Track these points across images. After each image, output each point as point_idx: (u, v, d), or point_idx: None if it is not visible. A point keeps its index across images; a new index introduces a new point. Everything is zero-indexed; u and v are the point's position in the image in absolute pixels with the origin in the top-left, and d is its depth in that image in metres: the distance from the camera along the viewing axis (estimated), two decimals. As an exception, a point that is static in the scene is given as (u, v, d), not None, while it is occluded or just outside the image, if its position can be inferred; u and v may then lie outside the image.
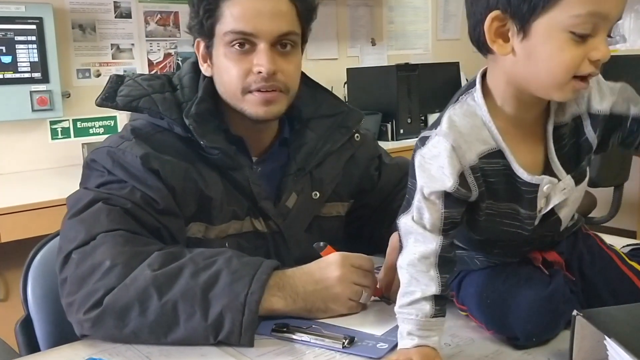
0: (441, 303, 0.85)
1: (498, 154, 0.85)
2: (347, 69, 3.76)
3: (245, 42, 1.13)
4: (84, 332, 0.98)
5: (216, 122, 1.18)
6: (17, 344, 1.19)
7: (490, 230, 0.92)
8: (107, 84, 1.19)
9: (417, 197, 0.86)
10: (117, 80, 1.20)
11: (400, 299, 0.86)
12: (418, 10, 4.36)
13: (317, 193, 1.27)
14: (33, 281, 1.21)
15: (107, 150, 1.12)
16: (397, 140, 3.51)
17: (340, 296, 1.00)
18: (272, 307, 0.98)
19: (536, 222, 0.90)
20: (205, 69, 1.20)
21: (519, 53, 0.81)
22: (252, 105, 1.16)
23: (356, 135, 1.34)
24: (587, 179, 0.94)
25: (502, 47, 0.81)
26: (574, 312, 0.81)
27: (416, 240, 0.86)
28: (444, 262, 0.86)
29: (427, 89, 3.53)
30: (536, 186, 0.86)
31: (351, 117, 1.32)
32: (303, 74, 1.29)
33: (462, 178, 0.83)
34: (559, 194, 0.88)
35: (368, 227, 1.36)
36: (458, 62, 3.88)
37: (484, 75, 0.88)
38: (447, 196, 0.84)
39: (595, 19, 0.76)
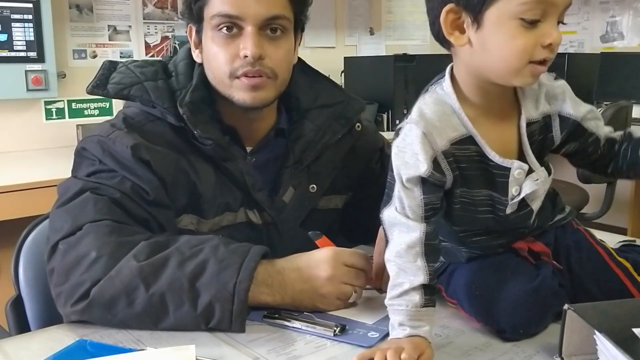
0: (430, 293, 0.86)
1: (469, 140, 0.88)
2: (345, 58, 3.76)
3: (232, 25, 1.10)
4: (72, 319, 0.97)
5: (210, 112, 1.16)
6: (7, 324, 1.18)
7: (466, 219, 0.94)
8: (99, 71, 1.16)
9: (397, 187, 0.88)
10: (110, 67, 1.17)
11: (390, 292, 0.87)
12: (417, 1, 4.34)
13: (315, 186, 1.24)
14: (25, 261, 1.21)
15: (98, 139, 1.10)
16: (392, 130, 3.50)
17: (328, 296, 0.99)
18: (260, 302, 0.97)
19: (509, 210, 0.92)
20: (196, 56, 1.18)
21: (475, 43, 0.84)
22: (238, 91, 1.13)
23: (357, 125, 1.30)
24: (552, 173, 0.96)
25: (458, 38, 0.85)
26: (565, 306, 0.81)
27: (400, 231, 0.88)
28: (430, 250, 0.87)
29: (424, 80, 3.47)
30: (507, 169, 0.89)
31: (351, 106, 1.28)
32: (302, 62, 1.27)
33: (435, 163, 0.86)
34: (532, 183, 0.90)
35: (367, 218, 1.33)
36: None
37: (453, 68, 0.91)
38: (423, 182, 0.87)
39: (542, 5, 0.80)
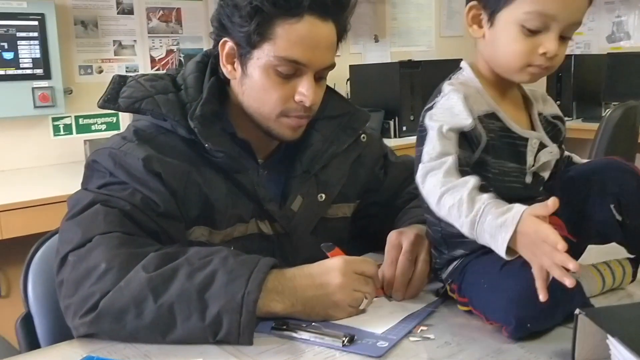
0: (487, 188, 0.90)
1: (493, 116, 0.98)
2: (350, 66, 3.76)
3: (292, 68, 1.11)
4: (81, 334, 0.97)
5: (221, 125, 1.16)
6: (18, 341, 1.18)
7: (498, 188, 0.95)
8: (109, 85, 1.17)
9: (433, 139, 0.93)
10: (120, 81, 1.17)
11: (467, 221, 0.86)
12: (421, 7, 4.35)
13: (323, 195, 1.25)
14: (34, 278, 1.21)
15: (109, 151, 1.10)
16: (400, 137, 3.50)
17: (340, 303, 0.99)
18: (271, 311, 0.96)
19: (528, 180, 1.01)
20: (228, 71, 1.17)
21: (487, 38, 0.99)
22: (282, 127, 1.16)
23: (362, 136, 1.32)
24: (564, 153, 1.11)
25: (476, 31, 1.01)
26: (577, 311, 0.80)
27: (434, 171, 0.91)
28: (465, 171, 0.91)
29: (430, 86, 3.48)
30: (526, 140, 1.00)
31: (357, 117, 1.31)
32: None
33: (475, 122, 0.94)
34: (547, 154, 1.02)
35: (375, 224, 1.34)
36: (461, 59, 3.86)
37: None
38: (463, 136, 0.94)
39: (543, 17, 0.92)
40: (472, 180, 0.89)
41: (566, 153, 1.14)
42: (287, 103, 1.13)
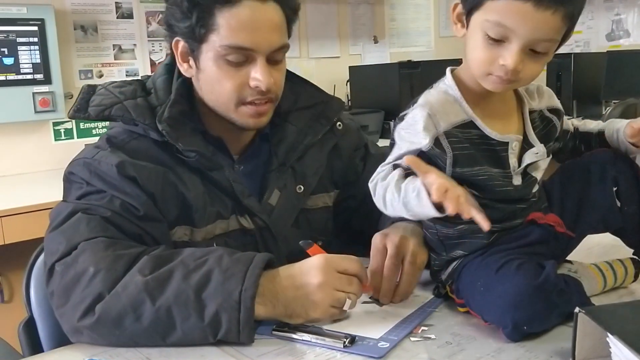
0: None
1: (470, 124, 0.98)
2: (350, 67, 3.76)
3: (241, 55, 1.11)
4: (80, 341, 0.97)
5: (192, 124, 1.17)
6: (20, 345, 1.19)
7: (489, 190, 0.98)
8: (79, 95, 1.17)
9: (392, 159, 0.96)
10: (89, 91, 1.18)
11: (400, 206, 0.91)
12: (420, 8, 4.35)
13: (302, 186, 1.26)
14: (36, 282, 1.21)
15: (84, 161, 1.11)
16: (400, 138, 3.50)
17: (320, 303, 0.96)
18: (255, 313, 0.94)
19: (516, 182, 1.00)
20: (185, 70, 1.18)
21: (464, 39, 0.97)
22: (244, 116, 1.16)
23: (338, 124, 1.32)
24: (550, 156, 1.08)
25: (458, 30, 0.99)
26: (576, 310, 0.80)
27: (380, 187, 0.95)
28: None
29: (429, 86, 3.53)
30: (506, 144, 0.99)
31: (331, 106, 1.30)
32: None
33: (437, 141, 0.95)
34: (532, 155, 1.01)
35: (356, 219, 1.34)
36: (460, 59, 3.85)
37: (452, 71, 1.04)
38: (423, 154, 0.94)
39: (502, 29, 0.89)
40: (397, 173, 0.93)
41: (572, 124, 1.13)
42: (243, 90, 1.13)
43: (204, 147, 1.15)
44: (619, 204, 1.04)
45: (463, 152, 0.96)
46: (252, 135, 1.25)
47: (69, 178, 1.13)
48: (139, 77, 1.27)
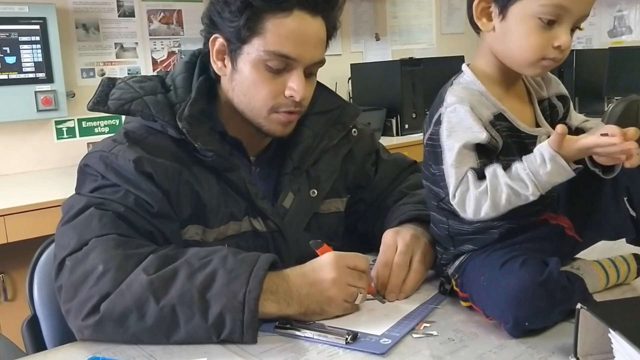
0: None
1: (500, 116, 0.97)
2: (351, 65, 3.76)
3: (282, 63, 1.12)
4: (85, 338, 0.97)
5: (210, 124, 1.16)
6: (24, 344, 1.19)
7: None
8: (98, 87, 1.17)
9: (450, 165, 0.93)
10: (109, 83, 1.18)
11: (529, 193, 0.90)
12: (422, 5, 4.35)
13: (315, 191, 1.26)
14: (39, 281, 1.22)
15: (100, 154, 1.10)
16: (402, 135, 3.50)
17: (335, 299, 0.98)
18: (265, 311, 0.96)
19: None
20: (219, 68, 1.17)
21: (498, 31, 0.97)
22: (273, 123, 1.16)
23: (353, 130, 1.33)
24: None
25: (485, 25, 0.98)
26: (578, 305, 0.80)
27: (469, 197, 0.92)
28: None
29: (431, 84, 3.52)
30: (535, 137, 0.99)
31: (347, 112, 1.31)
32: None
33: (487, 131, 0.94)
34: None
35: (363, 222, 1.35)
36: (463, 56, 3.87)
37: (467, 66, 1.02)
38: (480, 148, 0.93)
39: (559, 10, 0.92)
40: (496, 169, 0.91)
41: (580, 122, 1.10)
42: (277, 98, 1.13)
43: (222, 148, 1.15)
44: (633, 213, 1.01)
45: (506, 140, 0.97)
46: (270, 138, 1.25)
47: (84, 170, 1.13)
48: (159, 74, 1.27)
